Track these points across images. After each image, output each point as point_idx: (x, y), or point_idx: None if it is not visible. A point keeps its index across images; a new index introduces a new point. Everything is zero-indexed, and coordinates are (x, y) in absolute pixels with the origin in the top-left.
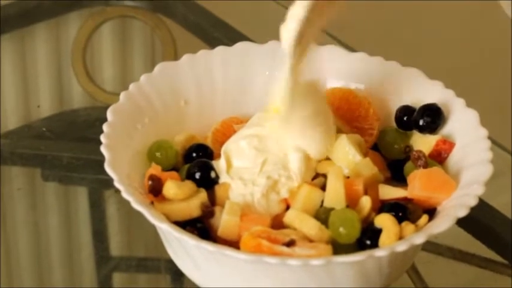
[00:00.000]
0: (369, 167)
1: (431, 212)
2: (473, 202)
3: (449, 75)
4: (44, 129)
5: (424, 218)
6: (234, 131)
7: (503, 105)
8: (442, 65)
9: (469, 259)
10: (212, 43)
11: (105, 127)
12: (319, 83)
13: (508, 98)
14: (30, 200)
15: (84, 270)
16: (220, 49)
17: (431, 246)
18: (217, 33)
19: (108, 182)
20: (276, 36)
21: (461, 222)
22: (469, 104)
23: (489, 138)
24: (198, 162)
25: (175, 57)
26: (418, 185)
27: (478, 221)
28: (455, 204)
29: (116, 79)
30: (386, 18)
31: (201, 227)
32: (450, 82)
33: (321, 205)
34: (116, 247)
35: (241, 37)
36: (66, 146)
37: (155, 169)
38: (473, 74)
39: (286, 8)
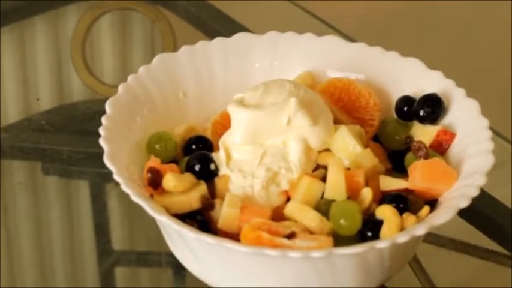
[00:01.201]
0: (369, 158)
1: (432, 203)
2: (474, 193)
3: (450, 65)
4: (44, 122)
5: (425, 209)
6: None
7: (505, 95)
8: (442, 55)
9: (471, 250)
10: (212, 35)
11: (103, 120)
12: (315, 74)
13: (508, 87)
14: (31, 194)
15: (86, 264)
16: (219, 40)
17: (433, 238)
18: (218, 26)
19: (108, 176)
20: (276, 28)
21: (463, 214)
22: (470, 94)
23: (491, 128)
24: (198, 155)
25: (175, 49)
26: (419, 176)
27: (480, 212)
28: (457, 195)
29: (115, 72)
30: (386, 8)
31: (201, 219)
32: (450, 72)
33: (322, 197)
34: (117, 241)
35: (242, 29)
36: (66, 139)
37: (154, 161)
38: (473, 64)
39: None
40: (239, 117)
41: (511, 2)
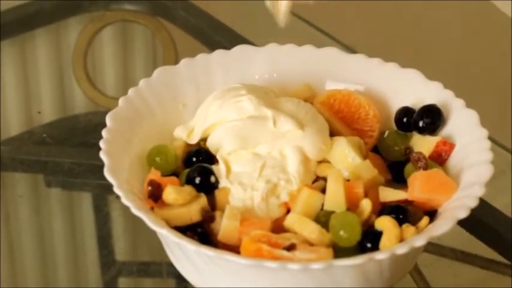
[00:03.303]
0: (369, 170)
1: (432, 214)
2: (473, 203)
3: (449, 75)
4: (45, 135)
5: (425, 220)
6: None
7: (504, 104)
8: (441, 66)
9: (472, 260)
10: (213, 47)
11: (104, 133)
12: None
13: (508, 97)
14: (33, 206)
15: (89, 275)
16: (219, 52)
17: (434, 248)
18: (218, 37)
19: (110, 187)
20: (276, 39)
21: (463, 223)
22: (469, 104)
23: (490, 138)
24: (198, 167)
25: (177, 61)
26: (419, 186)
27: (480, 221)
28: (456, 206)
29: (117, 84)
30: (385, 19)
31: (201, 231)
32: (449, 83)
33: (321, 208)
34: (119, 252)
35: (243, 41)
36: (68, 151)
37: (154, 174)
38: (473, 74)
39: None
40: (223, 126)
41: (511, 5)
